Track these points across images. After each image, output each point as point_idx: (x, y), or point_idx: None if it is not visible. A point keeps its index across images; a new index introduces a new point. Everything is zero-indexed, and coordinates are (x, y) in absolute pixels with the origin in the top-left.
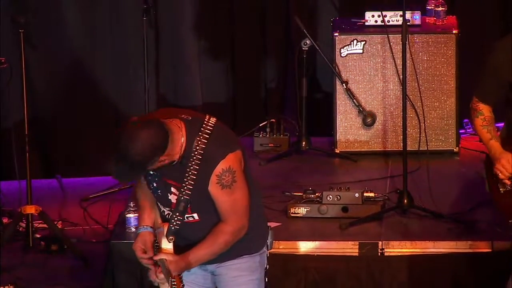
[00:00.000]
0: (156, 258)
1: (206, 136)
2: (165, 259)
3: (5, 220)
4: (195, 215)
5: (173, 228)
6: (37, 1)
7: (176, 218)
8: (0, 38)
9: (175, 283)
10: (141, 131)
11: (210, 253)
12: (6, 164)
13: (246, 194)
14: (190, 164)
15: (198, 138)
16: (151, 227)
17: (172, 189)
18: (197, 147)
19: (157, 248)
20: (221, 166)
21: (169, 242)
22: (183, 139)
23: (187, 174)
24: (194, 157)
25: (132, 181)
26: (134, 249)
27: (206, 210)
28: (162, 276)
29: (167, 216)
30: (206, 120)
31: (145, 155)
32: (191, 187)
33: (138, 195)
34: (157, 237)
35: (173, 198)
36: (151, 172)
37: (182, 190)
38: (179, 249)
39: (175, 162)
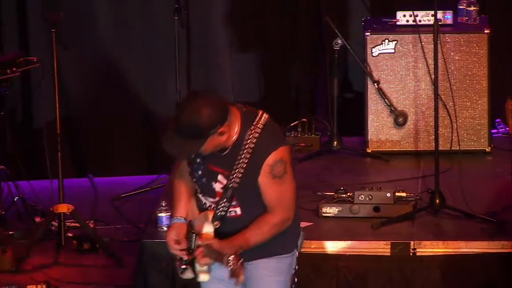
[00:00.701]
0: (203, 242)
1: (259, 129)
2: (211, 243)
3: (37, 219)
4: (238, 210)
5: (219, 214)
6: (68, 1)
7: (223, 205)
8: (32, 38)
9: (231, 262)
10: (205, 97)
11: (254, 240)
12: (39, 164)
13: (294, 187)
14: (241, 153)
15: (251, 130)
16: (184, 218)
17: (219, 177)
18: (250, 137)
19: (192, 238)
20: (273, 157)
21: (214, 227)
22: (237, 127)
23: (237, 162)
24: (246, 146)
25: (186, 155)
26: (167, 239)
27: (250, 203)
28: (204, 262)
29: (208, 208)
30: (260, 114)
31: (210, 119)
32: (240, 175)
33: (175, 187)
34: (194, 226)
35: (217, 187)
36: (198, 160)
37: (231, 177)
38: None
39: (226, 150)
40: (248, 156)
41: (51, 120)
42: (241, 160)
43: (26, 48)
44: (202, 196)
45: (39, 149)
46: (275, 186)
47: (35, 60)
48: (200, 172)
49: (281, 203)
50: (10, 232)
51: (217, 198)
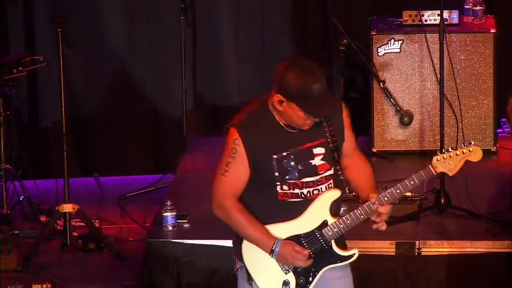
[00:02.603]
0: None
1: None
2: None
3: (43, 219)
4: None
5: (342, 177)
6: (74, 1)
7: (338, 168)
8: (38, 38)
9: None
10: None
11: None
12: (45, 163)
13: None
14: (323, 119)
15: None
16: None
17: (315, 151)
18: None
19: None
20: (345, 108)
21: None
22: None
23: (325, 126)
24: None
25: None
26: (296, 258)
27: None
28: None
29: (306, 195)
30: None
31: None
32: (333, 133)
33: (244, 213)
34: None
35: (317, 161)
36: (284, 154)
37: (329, 140)
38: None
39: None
40: (329, 118)
41: (57, 119)
42: (326, 124)
43: (32, 48)
44: (297, 187)
45: (45, 149)
46: (354, 134)
47: (41, 59)
48: (292, 164)
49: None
50: (15, 232)
51: (318, 175)
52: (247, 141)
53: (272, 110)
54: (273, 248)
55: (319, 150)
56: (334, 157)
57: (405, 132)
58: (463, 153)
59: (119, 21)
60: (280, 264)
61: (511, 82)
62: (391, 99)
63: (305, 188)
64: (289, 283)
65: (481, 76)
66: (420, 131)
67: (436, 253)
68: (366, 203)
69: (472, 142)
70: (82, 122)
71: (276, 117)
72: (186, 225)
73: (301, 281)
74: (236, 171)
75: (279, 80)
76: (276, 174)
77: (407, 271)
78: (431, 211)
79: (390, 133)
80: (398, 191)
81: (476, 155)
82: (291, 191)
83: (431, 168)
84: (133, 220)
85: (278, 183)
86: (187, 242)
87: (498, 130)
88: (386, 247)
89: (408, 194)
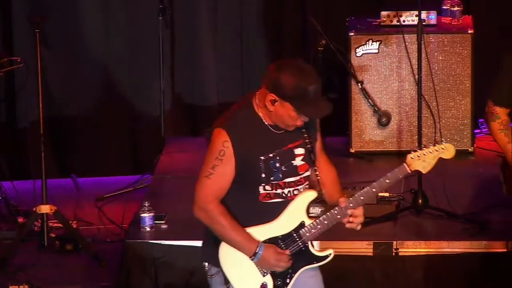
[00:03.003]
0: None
1: None
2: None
3: (20, 220)
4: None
5: (318, 178)
6: (52, 1)
7: (315, 168)
8: (16, 38)
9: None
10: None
11: None
12: (22, 164)
13: None
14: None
15: None
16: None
17: (296, 151)
18: None
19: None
20: None
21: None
22: None
23: (302, 127)
24: None
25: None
26: (279, 261)
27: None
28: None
29: (287, 195)
30: None
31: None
32: (309, 134)
33: (228, 216)
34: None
35: (298, 161)
36: (270, 155)
37: (307, 141)
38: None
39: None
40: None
41: (34, 120)
42: (303, 126)
43: (10, 48)
44: (280, 188)
45: (22, 150)
46: (321, 135)
47: (19, 60)
48: (277, 165)
49: None
50: None
51: (299, 175)
52: (237, 143)
53: (257, 110)
54: (256, 251)
55: (300, 151)
56: (311, 157)
57: (383, 133)
58: (436, 150)
59: (97, 22)
60: (258, 266)
61: (489, 83)
62: (369, 100)
63: (287, 188)
64: (267, 286)
65: (459, 76)
66: (398, 132)
67: (414, 254)
68: (343, 205)
69: (444, 140)
70: (59, 123)
71: (262, 118)
72: (164, 226)
73: (278, 283)
74: (222, 174)
75: (273, 80)
76: (263, 175)
77: (384, 272)
78: (409, 211)
79: (368, 133)
80: (374, 190)
81: (449, 152)
82: (274, 191)
83: (406, 166)
84: (111, 221)
85: (262, 184)
86: (164, 243)
87: (475, 131)
88: (364, 248)
89: (386, 194)
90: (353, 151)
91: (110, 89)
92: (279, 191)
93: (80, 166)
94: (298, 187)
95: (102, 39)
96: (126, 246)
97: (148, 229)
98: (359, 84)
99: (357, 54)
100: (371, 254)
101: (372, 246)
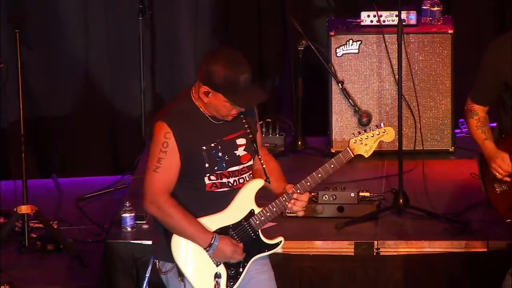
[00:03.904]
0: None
1: None
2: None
3: (1, 220)
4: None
5: (264, 166)
6: (32, 1)
7: (260, 157)
8: None
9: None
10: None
11: None
12: (2, 164)
13: None
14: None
15: None
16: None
17: (237, 142)
18: None
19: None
20: None
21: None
22: None
23: (242, 118)
24: None
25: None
26: (235, 253)
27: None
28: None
29: (233, 184)
30: None
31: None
32: (250, 124)
33: (181, 210)
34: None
35: (240, 151)
36: (212, 145)
37: (248, 131)
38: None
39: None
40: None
41: (15, 120)
42: (241, 115)
43: None
44: (225, 177)
45: (3, 150)
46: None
47: None
48: (220, 154)
49: None
50: None
51: (242, 164)
52: (178, 134)
53: (196, 102)
54: (212, 242)
55: (241, 141)
56: (253, 147)
57: None
58: (377, 134)
59: (78, 22)
60: (212, 257)
61: (469, 83)
62: (350, 100)
63: (232, 177)
64: (221, 275)
65: (439, 76)
66: None
67: (395, 253)
68: (290, 191)
69: (383, 124)
70: (40, 123)
71: (201, 109)
72: (145, 226)
73: (232, 272)
74: (168, 166)
75: (205, 71)
76: (207, 165)
77: (365, 271)
78: (390, 211)
79: (349, 133)
80: (320, 175)
81: (389, 135)
82: (219, 181)
83: (349, 151)
84: (92, 221)
85: (207, 174)
86: (146, 243)
87: (456, 131)
88: (345, 247)
89: (367, 194)
90: (333, 151)
91: (91, 90)
92: (224, 180)
93: (61, 166)
94: (243, 176)
95: (82, 39)
96: (107, 246)
97: (129, 229)
98: (339, 84)
99: (338, 54)
100: (352, 254)
101: (353, 246)
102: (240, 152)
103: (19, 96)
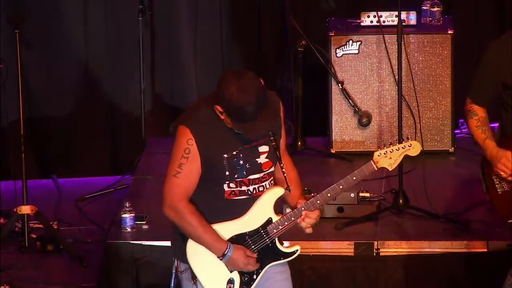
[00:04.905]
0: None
1: None
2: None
3: (1, 221)
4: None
5: (285, 175)
6: (32, 1)
7: (282, 165)
8: None
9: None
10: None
11: None
12: (2, 165)
13: None
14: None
15: None
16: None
17: (260, 149)
18: None
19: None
20: (282, 106)
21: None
22: None
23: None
24: None
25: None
26: (248, 264)
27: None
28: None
29: (252, 192)
30: None
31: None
32: (275, 130)
33: (198, 216)
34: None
35: (262, 159)
36: (234, 153)
37: (272, 138)
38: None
39: None
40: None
41: (15, 120)
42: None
43: None
44: (244, 185)
45: (3, 150)
46: (285, 133)
47: None
48: (241, 162)
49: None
50: None
51: (263, 172)
52: (201, 140)
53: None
54: (225, 253)
55: (264, 148)
56: (276, 155)
57: (363, 133)
58: (402, 148)
59: (77, 22)
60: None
61: (469, 83)
62: (350, 100)
63: (251, 185)
64: (234, 281)
65: (439, 77)
66: (378, 132)
67: (395, 254)
68: (310, 200)
69: (410, 137)
70: (40, 123)
71: None
72: (145, 227)
73: (245, 279)
74: (189, 172)
75: (220, 92)
76: (227, 173)
77: (365, 272)
78: (390, 211)
79: (349, 134)
80: (341, 186)
81: (415, 149)
82: (239, 188)
83: (373, 164)
84: (92, 222)
85: (227, 181)
86: (145, 243)
87: (456, 131)
88: (345, 248)
89: (367, 195)
90: (333, 151)
91: (91, 90)
92: (244, 188)
93: (61, 166)
94: (263, 183)
95: (82, 39)
96: (107, 247)
97: (129, 229)
98: (339, 84)
99: (337, 55)
100: (352, 254)
101: (353, 246)
102: (262, 159)
103: (19, 96)
